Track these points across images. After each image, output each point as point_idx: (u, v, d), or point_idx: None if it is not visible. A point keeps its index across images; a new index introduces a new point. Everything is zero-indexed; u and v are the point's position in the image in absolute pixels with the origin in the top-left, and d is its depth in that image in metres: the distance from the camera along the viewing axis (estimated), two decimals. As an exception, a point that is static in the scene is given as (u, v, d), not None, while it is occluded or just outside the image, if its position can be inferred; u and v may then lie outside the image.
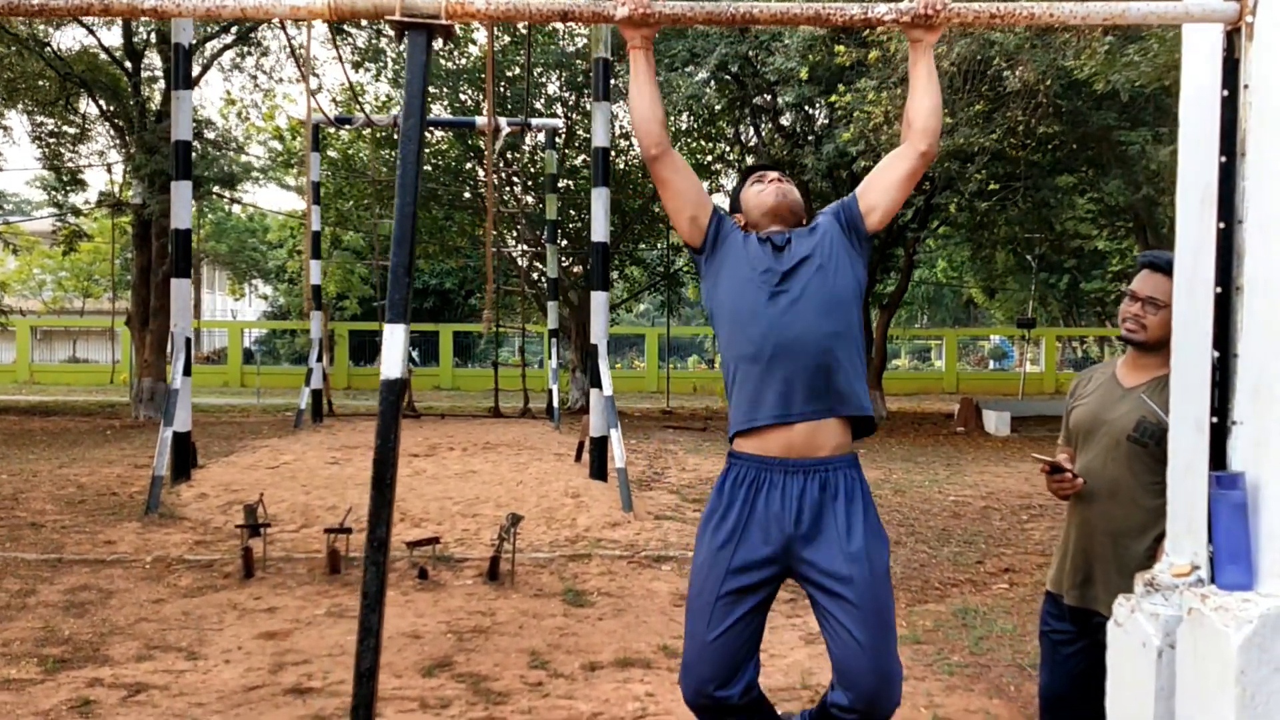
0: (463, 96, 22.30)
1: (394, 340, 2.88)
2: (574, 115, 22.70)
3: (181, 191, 10.23)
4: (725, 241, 3.28)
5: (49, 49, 18.51)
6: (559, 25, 19.79)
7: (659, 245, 27.80)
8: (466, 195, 24.46)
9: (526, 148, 23.33)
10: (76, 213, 22.21)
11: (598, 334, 10.58)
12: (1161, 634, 2.67)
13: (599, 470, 10.45)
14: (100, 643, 5.60)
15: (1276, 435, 2.48)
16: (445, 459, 12.05)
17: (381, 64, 22.20)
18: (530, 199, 24.19)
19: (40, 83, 19.29)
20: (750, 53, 17.15)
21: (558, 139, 20.21)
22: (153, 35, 18.54)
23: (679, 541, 8.39)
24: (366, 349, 37.70)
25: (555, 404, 18.10)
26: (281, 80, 34.75)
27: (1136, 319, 3.21)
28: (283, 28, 16.13)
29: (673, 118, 19.80)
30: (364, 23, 19.77)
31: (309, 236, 17.15)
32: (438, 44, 2.89)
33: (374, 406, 21.68)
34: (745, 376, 3.13)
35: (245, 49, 20.88)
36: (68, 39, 21.29)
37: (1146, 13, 2.81)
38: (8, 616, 6.07)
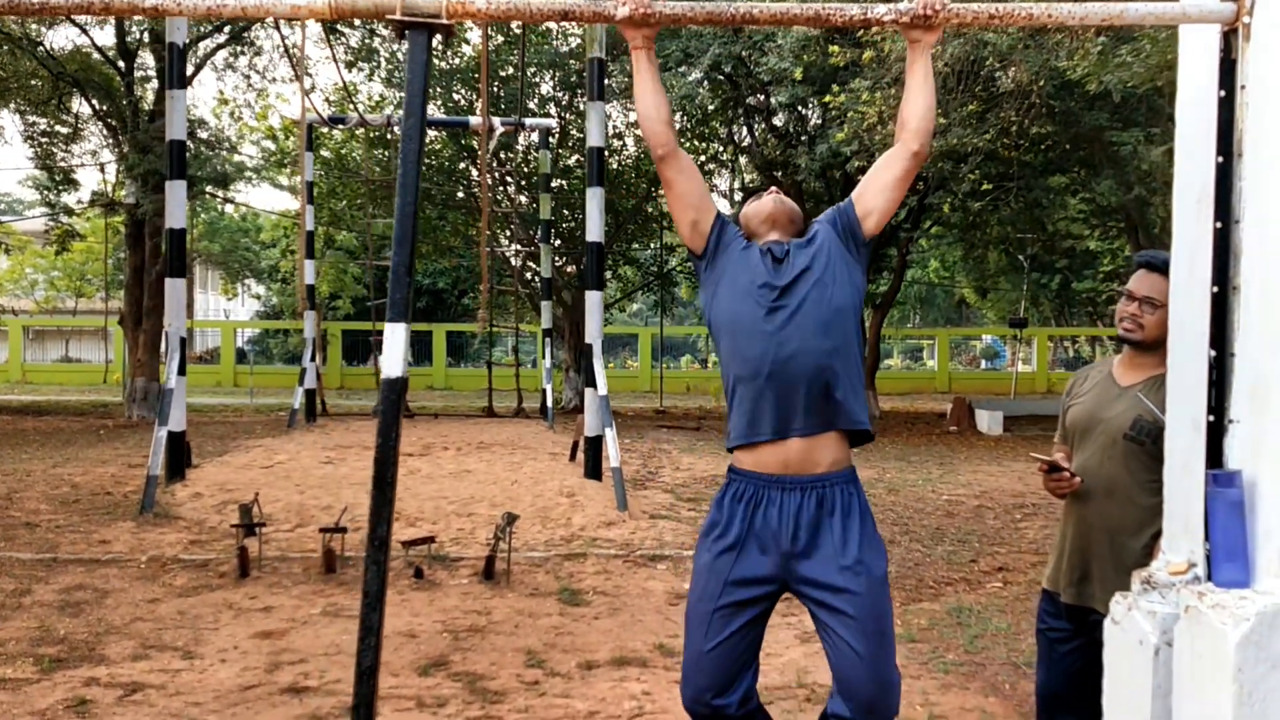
0: (456, 96, 22.29)
1: (395, 339, 2.88)
2: (567, 115, 22.70)
3: (176, 191, 10.22)
4: (726, 250, 3.27)
5: (42, 48, 18.47)
6: (553, 25, 19.79)
7: (652, 245, 27.81)
8: (460, 195, 24.45)
9: (520, 147, 23.33)
10: (69, 212, 22.19)
11: (592, 333, 10.58)
12: (1158, 632, 2.68)
13: (594, 470, 10.46)
14: (96, 642, 5.60)
15: (1273, 434, 2.49)
16: (440, 459, 12.04)
17: (375, 64, 22.18)
18: (524, 199, 24.19)
19: (33, 82, 19.26)
20: (744, 53, 17.16)
21: (551, 139, 20.21)
22: (146, 35, 18.51)
23: (674, 541, 8.40)
24: (359, 349, 37.64)
25: (549, 403, 18.10)
26: (275, 80, 34.73)
27: (1134, 319, 3.23)
28: (276, 27, 16.13)
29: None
30: (357, 22, 19.76)
31: (303, 236, 17.16)
32: (435, 43, 2.89)
33: (367, 406, 21.68)
34: (743, 393, 3.13)
35: (238, 48, 20.85)
36: (60, 38, 21.29)
37: (1144, 13, 2.82)
38: (3, 616, 6.06)
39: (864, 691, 3.00)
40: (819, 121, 18.98)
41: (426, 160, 23.25)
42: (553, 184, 20.57)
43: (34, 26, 17.99)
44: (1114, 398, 3.28)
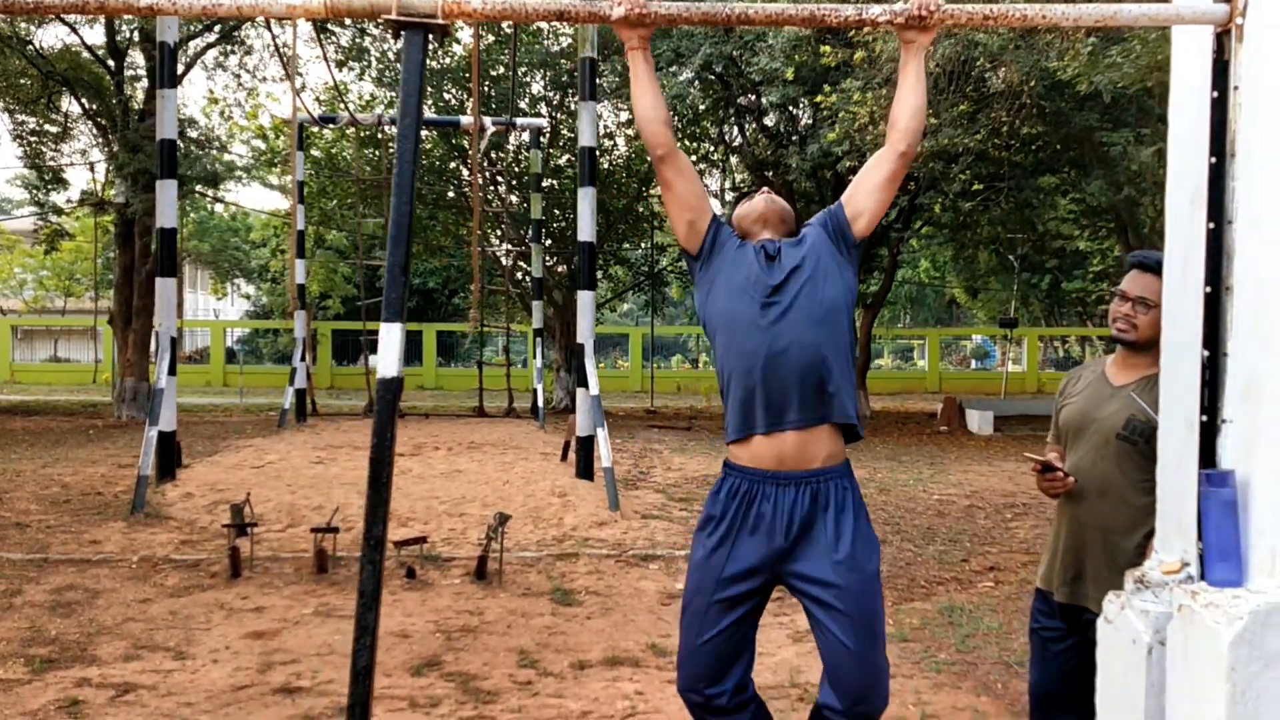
0: (446, 96, 22.26)
1: (390, 339, 2.88)
2: (558, 115, 22.70)
3: (167, 190, 10.19)
4: (721, 250, 3.31)
5: (31, 47, 18.40)
6: (544, 25, 19.78)
7: (643, 245, 27.81)
8: (450, 194, 24.43)
9: (511, 147, 23.31)
10: (58, 211, 22.10)
11: (584, 333, 10.57)
12: (1152, 631, 2.69)
13: (585, 469, 10.45)
14: (87, 643, 5.58)
15: (1267, 433, 2.50)
16: (431, 458, 12.04)
17: (365, 63, 22.15)
18: (515, 198, 24.17)
19: (21, 81, 19.17)
20: (735, 53, 17.17)
21: (542, 138, 20.20)
22: (135, 34, 18.44)
23: (666, 540, 8.41)
24: (349, 348, 37.59)
25: (540, 403, 18.09)
26: (265, 79, 34.64)
27: (1127, 319, 3.24)
28: (267, 26, 16.09)
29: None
30: (347, 21, 19.74)
31: (294, 236, 17.10)
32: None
33: (357, 406, 21.66)
34: (738, 387, 3.17)
35: (229, 47, 20.80)
36: (50, 37, 21.19)
37: (1138, 15, 2.83)
38: (-7, 617, 6.05)
39: (853, 684, 3.05)
40: (810, 121, 18.99)
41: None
42: (544, 183, 20.57)
43: (23, 25, 17.92)
44: (1107, 397, 3.29)
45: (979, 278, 36.10)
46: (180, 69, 18.73)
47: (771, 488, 3.11)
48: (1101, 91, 11.46)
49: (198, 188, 21.76)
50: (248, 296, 49.75)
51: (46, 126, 20.68)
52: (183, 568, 7.29)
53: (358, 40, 21.50)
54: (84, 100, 19.42)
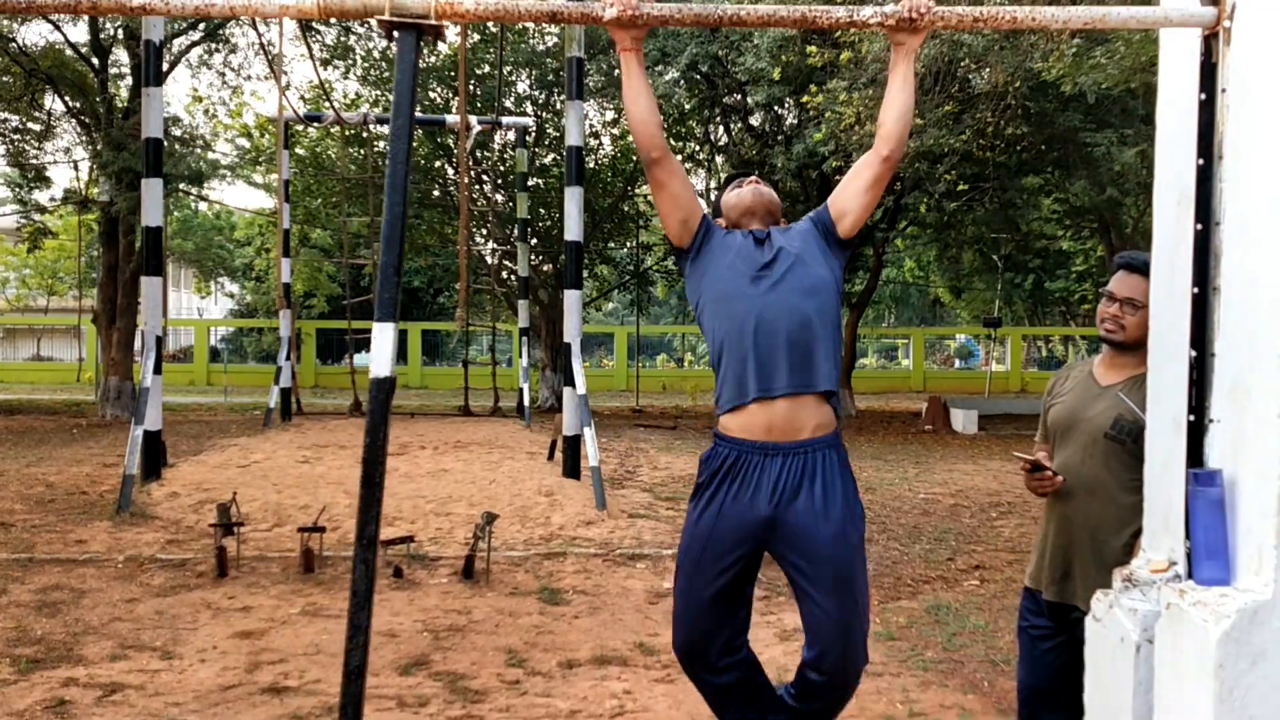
0: (432, 95, 22.23)
1: (383, 339, 2.88)
2: (544, 114, 22.68)
3: (152, 189, 10.14)
4: (710, 241, 3.41)
5: (14, 44, 18.28)
6: (530, 23, 19.75)
7: (628, 244, 27.81)
8: (436, 193, 24.38)
9: (496, 146, 23.28)
10: (41, 210, 21.96)
11: (571, 333, 10.57)
12: (1140, 629, 2.71)
13: (572, 469, 10.45)
14: (74, 642, 5.57)
15: (1253, 433, 2.52)
16: (417, 457, 12.01)
17: (351, 61, 22.10)
18: (500, 197, 24.15)
19: (4, 78, 19.04)
20: (721, 52, 17.19)
21: (528, 137, 20.18)
22: (120, 31, 18.35)
23: (653, 540, 8.42)
24: (334, 347, 37.48)
25: (526, 403, 18.07)
26: (250, 77, 34.47)
27: (1115, 319, 3.26)
28: (253, 24, 16.04)
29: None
30: (332, 20, 19.68)
31: (280, 234, 17.04)
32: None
33: (342, 405, 21.57)
34: (730, 355, 3.26)
35: (213, 45, 20.71)
36: (33, 34, 21.02)
37: (1126, 17, 2.86)
38: (-21, 617, 6.02)
39: (834, 648, 3.20)
40: (795, 121, 19.03)
41: (403, 158, 23.11)
42: (529, 183, 20.54)
43: (4, 22, 17.81)
44: (1095, 397, 3.32)
45: (963, 277, 36.23)
46: (164, 67, 18.64)
47: (760, 457, 3.20)
48: (1085, 92, 11.51)
49: (182, 186, 21.65)
50: (231, 295, 49.53)
51: (29, 124, 20.55)
52: (169, 567, 7.27)
53: (343, 38, 21.44)
54: (67, 98, 19.30)
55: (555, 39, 20.92)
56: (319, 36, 21.11)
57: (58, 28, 18.89)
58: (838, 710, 3.39)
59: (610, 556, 7.84)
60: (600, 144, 24.32)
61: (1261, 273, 2.51)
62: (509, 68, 21.62)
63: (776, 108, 19.34)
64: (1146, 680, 2.69)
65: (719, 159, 23.74)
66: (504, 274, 24.19)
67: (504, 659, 5.42)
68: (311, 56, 15.07)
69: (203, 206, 37.60)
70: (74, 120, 20.15)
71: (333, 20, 19.79)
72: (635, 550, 8.03)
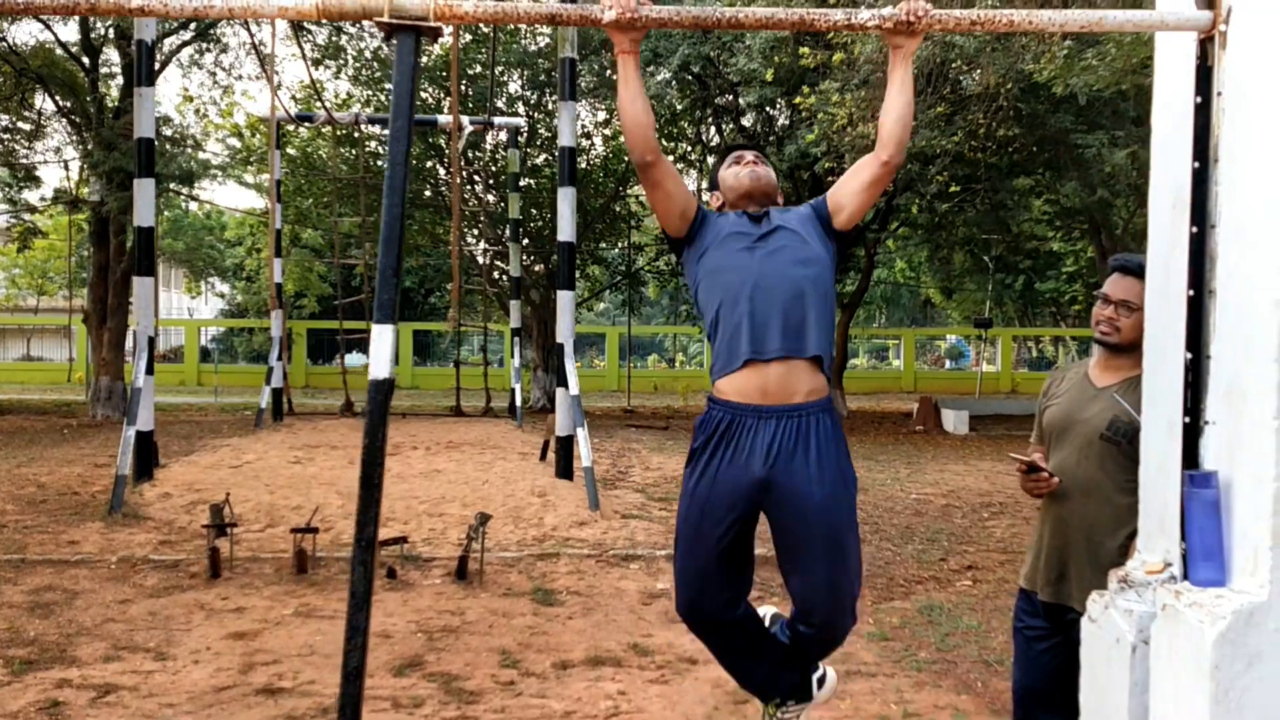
0: (424, 95, 22.20)
1: (382, 340, 2.88)
2: (535, 114, 22.68)
3: (144, 189, 10.12)
4: (706, 225, 3.48)
5: (4, 44, 18.23)
6: (522, 24, 19.73)
7: (620, 244, 27.81)
8: (428, 193, 24.36)
9: (488, 146, 23.27)
10: (31, 209, 21.91)
11: (564, 333, 10.56)
12: (1135, 630, 2.71)
13: (565, 469, 10.44)
14: (67, 644, 5.56)
15: (1249, 435, 2.53)
16: (409, 458, 12.00)
17: (342, 61, 22.06)
18: (492, 197, 24.14)
19: (-6, 79, 19.03)
20: (713, 53, 17.20)
21: (520, 138, 20.17)
22: (110, 31, 18.31)
23: (646, 540, 8.42)
24: (324, 347, 37.40)
25: (518, 403, 18.05)
26: (241, 77, 34.38)
27: (1110, 322, 3.27)
28: (245, 25, 16.00)
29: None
30: (323, 20, 19.62)
31: (272, 234, 17.01)
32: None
33: (333, 405, 21.53)
34: (725, 320, 3.31)
35: (205, 45, 20.67)
36: (23, 34, 20.95)
37: (1122, 21, 2.87)
38: (-29, 618, 6.00)
39: (823, 608, 3.30)
40: (787, 123, 19.04)
41: (394, 158, 23.06)
42: (521, 183, 20.54)
43: (-6, 21, 17.76)
44: (1090, 398, 3.32)
45: (954, 278, 36.28)
46: (156, 66, 18.59)
47: (754, 419, 3.24)
48: (1076, 94, 11.54)
49: (172, 186, 21.62)
50: (222, 295, 49.43)
51: (19, 124, 20.50)
52: (162, 568, 7.26)
53: (334, 39, 21.41)
54: (58, 97, 19.26)
55: (547, 40, 20.91)
56: (310, 36, 21.07)
57: (48, 27, 18.84)
58: (830, 650, 3.51)
59: (603, 557, 7.84)
60: (592, 144, 24.32)
61: (1257, 276, 2.52)
62: (501, 68, 21.61)
63: (768, 109, 19.37)
64: (1142, 681, 2.69)
65: (710, 160, 23.76)
66: (496, 274, 24.20)
67: (498, 660, 5.42)
68: (303, 56, 15.04)
69: (193, 206, 37.52)
70: (64, 120, 20.10)
71: (323, 20, 19.75)
72: (628, 551, 8.03)
